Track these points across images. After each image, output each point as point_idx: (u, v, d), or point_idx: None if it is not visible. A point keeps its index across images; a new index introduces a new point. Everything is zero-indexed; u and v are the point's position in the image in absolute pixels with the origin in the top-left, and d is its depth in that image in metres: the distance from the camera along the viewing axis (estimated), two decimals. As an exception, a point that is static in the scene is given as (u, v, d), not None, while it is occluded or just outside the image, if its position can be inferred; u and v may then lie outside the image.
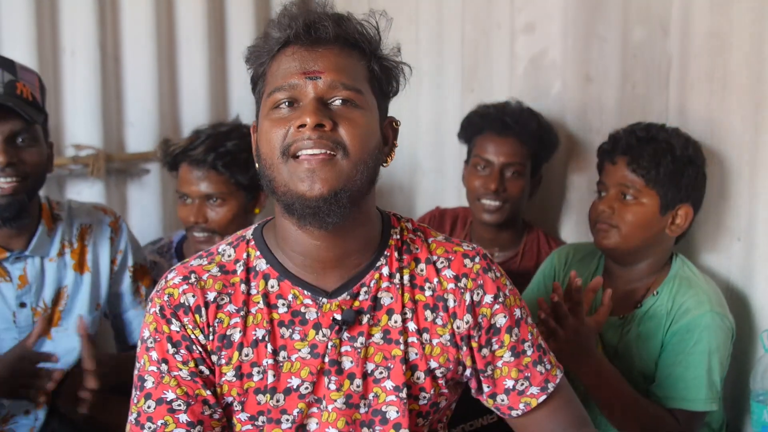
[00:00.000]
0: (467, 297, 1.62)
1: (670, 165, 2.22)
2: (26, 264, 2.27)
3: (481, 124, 2.73)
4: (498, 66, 3.07)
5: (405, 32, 3.28)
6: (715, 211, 2.43)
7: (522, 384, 1.65)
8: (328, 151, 1.46)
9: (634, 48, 2.65)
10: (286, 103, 1.51)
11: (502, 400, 1.66)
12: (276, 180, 1.50)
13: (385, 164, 1.59)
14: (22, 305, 2.26)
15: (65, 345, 2.34)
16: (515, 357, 1.64)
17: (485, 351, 1.64)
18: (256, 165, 1.58)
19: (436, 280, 1.63)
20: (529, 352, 1.66)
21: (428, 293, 1.62)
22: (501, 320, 1.64)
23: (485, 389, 1.67)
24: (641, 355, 2.25)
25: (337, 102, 1.50)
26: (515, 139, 2.68)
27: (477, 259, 1.66)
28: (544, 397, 1.66)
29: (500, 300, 1.64)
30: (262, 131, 1.53)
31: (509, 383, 1.65)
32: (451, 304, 1.62)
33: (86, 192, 3.01)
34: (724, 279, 2.43)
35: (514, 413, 1.67)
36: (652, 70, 2.60)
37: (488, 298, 1.63)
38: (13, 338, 2.25)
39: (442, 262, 1.64)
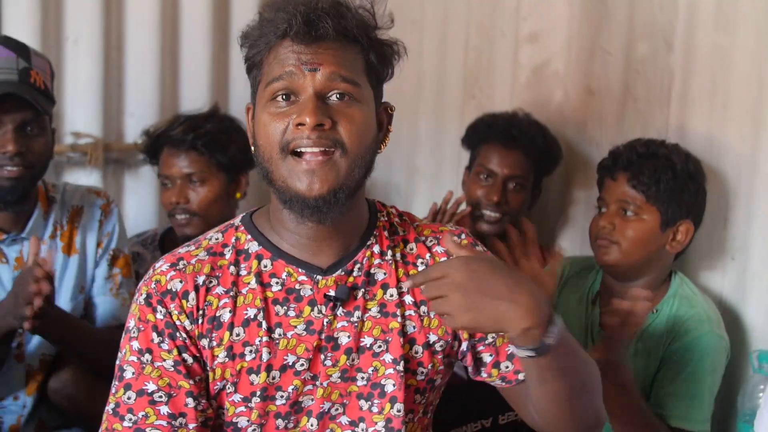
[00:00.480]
0: None
1: (671, 181, 2.23)
2: (22, 246, 2.28)
3: (488, 134, 2.72)
4: (500, 74, 3.07)
5: (409, 34, 3.28)
6: (711, 228, 2.43)
7: None
8: (327, 149, 1.47)
9: (637, 63, 2.65)
10: (284, 96, 1.50)
11: (507, 367, 1.62)
12: (274, 174, 1.51)
13: (379, 151, 1.60)
14: None
15: None
16: None
17: None
18: (252, 149, 1.57)
19: (428, 255, 1.64)
20: None
21: (421, 268, 1.63)
22: None
23: (487, 359, 1.63)
24: (638, 372, 2.22)
25: (335, 97, 1.50)
26: (520, 152, 2.67)
27: (463, 236, 1.68)
28: None
29: None
30: (260, 123, 1.52)
31: (512, 347, 1.57)
32: None
33: (83, 180, 3.00)
34: (716, 297, 2.43)
35: (521, 376, 1.61)
36: (654, 85, 2.61)
37: None
38: None
39: (431, 240, 1.66)
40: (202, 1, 3.21)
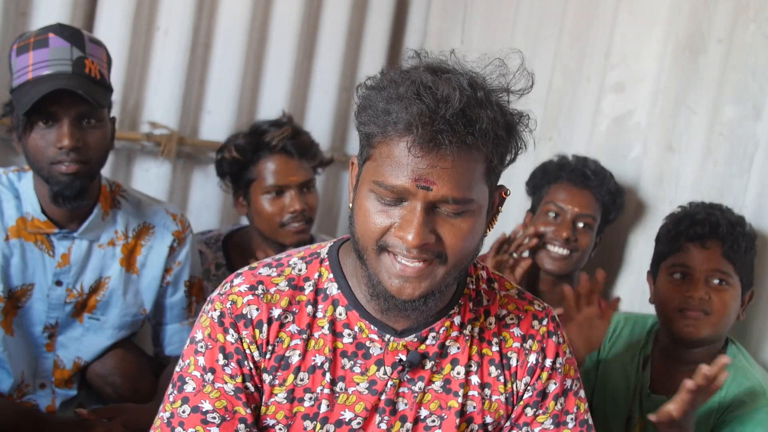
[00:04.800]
0: (531, 359, 1.60)
1: (749, 250, 2.20)
2: (72, 244, 2.22)
3: (559, 173, 2.70)
4: (580, 119, 3.03)
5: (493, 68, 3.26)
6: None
7: None
8: (426, 262, 1.41)
9: (722, 125, 2.59)
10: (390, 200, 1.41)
11: None
12: (366, 261, 1.45)
13: (485, 234, 1.50)
14: (58, 284, 2.22)
15: (93, 334, 2.31)
16: (555, 426, 1.61)
17: (529, 410, 1.61)
18: (350, 206, 1.49)
19: (503, 336, 1.61)
20: (570, 425, 1.62)
21: (495, 348, 1.59)
22: (552, 386, 1.61)
23: None
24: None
25: (444, 211, 1.40)
26: (591, 192, 2.65)
27: (545, 321, 1.63)
28: None
29: (556, 366, 1.62)
30: (361, 208, 1.43)
31: None
32: (513, 363, 1.60)
33: (153, 171, 3.04)
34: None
35: None
36: (737, 150, 2.55)
37: (548, 362, 1.61)
38: (43, 310, 2.22)
39: (511, 319, 1.62)
40: (294, 12, 3.25)
